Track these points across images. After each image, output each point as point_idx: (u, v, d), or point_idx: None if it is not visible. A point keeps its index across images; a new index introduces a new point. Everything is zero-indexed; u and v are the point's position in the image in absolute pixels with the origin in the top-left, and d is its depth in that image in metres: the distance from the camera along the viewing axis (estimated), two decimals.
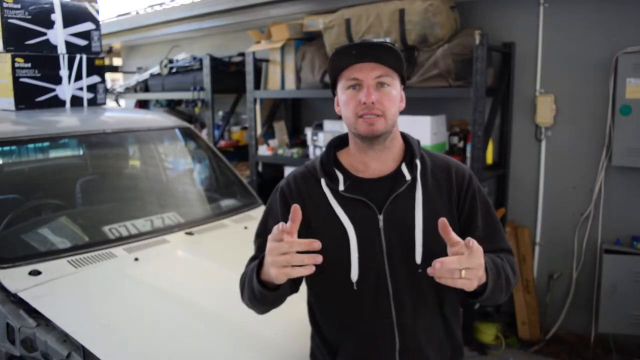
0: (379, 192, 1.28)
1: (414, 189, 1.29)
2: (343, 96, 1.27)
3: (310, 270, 1.07)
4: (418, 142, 1.38)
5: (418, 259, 1.25)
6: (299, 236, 1.27)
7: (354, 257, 1.25)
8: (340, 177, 1.31)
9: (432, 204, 1.29)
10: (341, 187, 1.29)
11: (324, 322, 1.35)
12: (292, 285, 1.32)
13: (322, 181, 1.31)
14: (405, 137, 1.37)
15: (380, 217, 1.26)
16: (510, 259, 1.33)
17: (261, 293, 1.19)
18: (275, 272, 1.08)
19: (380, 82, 1.23)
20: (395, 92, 1.26)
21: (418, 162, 1.32)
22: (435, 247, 1.25)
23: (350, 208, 1.27)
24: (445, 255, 1.25)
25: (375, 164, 1.31)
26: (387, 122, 1.24)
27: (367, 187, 1.29)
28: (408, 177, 1.29)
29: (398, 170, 1.31)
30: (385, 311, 1.26)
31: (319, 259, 1.06)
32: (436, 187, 1.32)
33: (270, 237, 1.11)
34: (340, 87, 1.28)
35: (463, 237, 1.29)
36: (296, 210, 1.11)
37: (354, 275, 1.25)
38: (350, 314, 1.29)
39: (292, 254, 1.06)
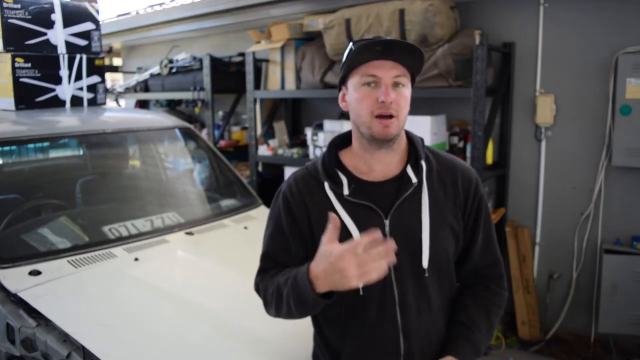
0: (384, 195, 1.26)
1: (420, 192, 1.27)
2: (356, 93, 1.23)
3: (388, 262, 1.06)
4: (422, 140, 1.36)
5: (425, 263, 1.25)
6: (303, 240, 1.30)
7: None
8: (344, 180, 1.27)
9: (437, 207, 1.28)
10: (346, 192, 1.26)
11: (328, 325, 1.34)
12: None
13: (326, 185, 1.28)
14: (408, 136, 1.35)
15: (387, 222, 1.24)
16: (495, 290, 1.36)
17: (317, 302, 1.13)
18: (357, 281, 1.05)
19: (396, 82, 1.21)
20: (408, 93, 1.24)
21: (423, 163, 1.29)
22: (441, 251, 1.28)
23: (355, 213, 1.25)
24: (446, 259, 1.30)
25: (380, 166, 1.28)
26: (399, 124, 1.22)
27: (372, 191, 1.27)
28: (414, 179, 1.27)
29: (403, 172, 1.28)
30: (390, 316, 1.25)
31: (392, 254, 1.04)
32: (442, 189, 1.30)
33: (335, 253, 1.06)
34: (354, 82, 1.24)
35: (465, 242, 1.33)
36: (335, 219, 1.12)
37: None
38: (354, 318, 1.28)
39: (369, 256, 1.04)
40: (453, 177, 1.32)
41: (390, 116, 1.20)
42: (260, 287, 1.34)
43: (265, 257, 1.36)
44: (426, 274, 1.25)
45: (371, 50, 1.19)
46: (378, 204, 1.25)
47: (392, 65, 1.20)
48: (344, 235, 1.23)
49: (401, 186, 1.26)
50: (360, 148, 1.29)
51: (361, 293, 1.24)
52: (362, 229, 1.23)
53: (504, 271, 1.39)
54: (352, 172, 1.30)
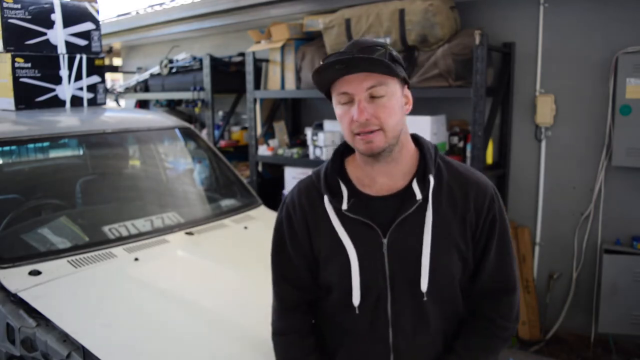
0: (385, 212, 1.18)
1: (424, 210, 1.17)
2: (337, 110, 1.16)
3: None
4: (435, 148, 1.25)
5: (423, 286, 1.17)
6: (305, 254, 1.27)
7: (356, 281, 1.18)
8: (345, 192, 1.21)
9: (443, 227, 1.18)
10: (344, 206, 1.19)
11: (323, 331, 1.33)
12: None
13: (325, 198, 1.22)
14: (420, 144, 1.24)
15: (385, 240, 1.17)
16: (502, 325, 1.24)
17: None
18: None
19: (372, 93, 1.11)
20: (393, 101, 1.13)
21: (431, 177, 1.18)
22: (443, 275, 1.19)
23: (352, 229, 1.19)
24: (450, 282, 1.21)
25: (383, 178, 1.20)
26: (387, 136, 1.13)
27: (372, 206, 1.19)
28: (419, 196, 1.17)
29: (408, 187, 1.19)
30: (382, 335, 1.21)
31: None
32: (450, 207, 1.19)
33: None
34: (334, 100, 1.17)
35: (474, 265, 1.24)
36: None
37: (356, 300, 1.19)
38: (347, 332, 1.25)
39: None
40: (465, 192, 1.20)
41: (372, 132, 1.11)
42: (277, 349, 1.35)
43: (275, 277, 1.34)
44: (425, 298, 1.17)
45: (332, 70, 1.10)
46: (377, 221, 1.17)
47: (364, 77, 1.10)
48: (341, 252, 1.19)
49: (404, 202, 1.17)
50: (361, 160, 1.22)
51: (357, 312, 1.20)
52: (358, 247, 1.18)
53: (517, 301, 1.25)
54: (354, 184, 1.23)
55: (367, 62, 1.09)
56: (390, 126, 1.12)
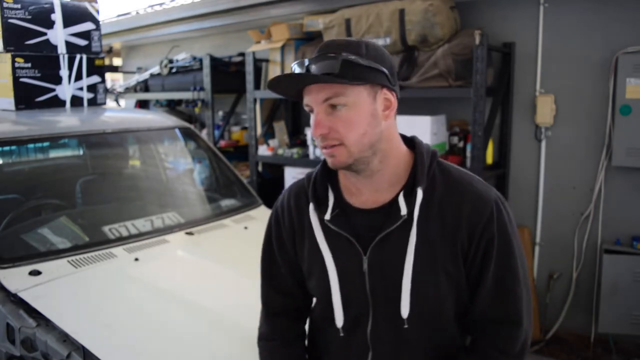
0: (368, 227, 1.08)
1: (410, 227, 1.05)
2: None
3: None
4: (433, 155, 1.12)
5: (404, 312, 1.06)
6: (292, 262, 1.23)
7: (336, 299, 1.11)
8: (331, 201, 1.12)
9: (429, 247, 1.05)
10: (327, 217, 1.10)
11: (314, 337, 1.30)
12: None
13: (310, 206, 1.13)
14: (416, 151, 1.12)
15: (365, 258, 1.08)
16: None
17: None
18: None
19: (332, 104, 1.00)
20: (356, 111, 1.01)
21: (420, 190, 1.05)
22: (428, 301, 1.07)
23: (334, 243, 1.11)
24: (437, 309, 1.09)
25: (368, 190, 1.10)
26: (350, 150, 1.02)
27: (356, 220, 1.10)
28: (403, 211, 1.05)
29: (394, 200, 1.07)
30: (360, 358, 1.14)
31: None
32: (439, 224, 1.06)
33: None
34: None
35: (470, 290, 1.11)
36: None
37: (339, 321, 1.13)
38: (328, 344, 1.22)
39: None
40: (459, 207, 1.06)
41: (333, 146, 1.03)
42: (262, 355, 1.30)
43: (262, 282, 1.30)
44: (406, 325, 1.07)
45: (281, 86, 1.03)
46: (360, 237, 1.08)
47: (319, 88, 1.00)
48: (322, 266, 1.13)
49: (389, 217, 1.06)
50: None
51: (341, 334, 1.14)
52: (339, 263, 1.10)
53: (522, 334, 1.09)
54: (342, 192, 1.14)
55: (308, 76, 1.01)
56: (352, 140, 1.02)
